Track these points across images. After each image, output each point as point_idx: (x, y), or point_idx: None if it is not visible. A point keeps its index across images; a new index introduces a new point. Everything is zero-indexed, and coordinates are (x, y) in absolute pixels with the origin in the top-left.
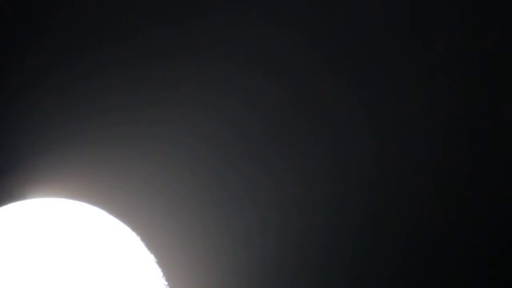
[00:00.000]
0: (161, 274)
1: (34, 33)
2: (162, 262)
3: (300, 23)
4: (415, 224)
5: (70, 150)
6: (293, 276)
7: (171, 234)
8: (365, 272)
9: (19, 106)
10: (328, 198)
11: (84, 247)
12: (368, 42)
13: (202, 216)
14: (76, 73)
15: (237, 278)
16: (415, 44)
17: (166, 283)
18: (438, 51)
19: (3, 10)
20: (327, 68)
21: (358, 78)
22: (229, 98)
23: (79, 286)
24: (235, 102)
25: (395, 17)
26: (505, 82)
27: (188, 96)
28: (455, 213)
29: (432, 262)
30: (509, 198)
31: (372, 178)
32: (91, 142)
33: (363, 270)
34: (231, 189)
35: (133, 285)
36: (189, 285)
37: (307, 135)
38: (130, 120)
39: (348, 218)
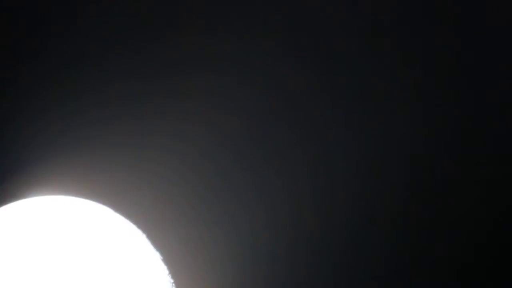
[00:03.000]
0: (166, 271)
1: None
2: (168, 259)
3: (288, 37)
4: (403, 228)
5: (78, 150)
6: (288, 270)
7: (177, 232)
8: (355, 272)
9: (31, 107)
10: (314, 202)
11: (90, 245)
12: (350, 54)
13: (207, 215)
14: (82, 82)
15: (241, 275)
16: (399, 56)
17: (172, 280)
18: (417, 67)
19: (7, 13)
20: (315, 80)
21: (343, 89)
22: (223, 109)
23: (85, 283)
24: (228, 113)
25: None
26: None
27: (185, 107)
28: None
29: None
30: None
31: (357, 183)
32: (98, 142)
33: (353, 271)
34: (235, 189)
35: (139, 283)
36: (194, 282)
37: (294, 143)
38: (138, 122)
39: (336, 222)
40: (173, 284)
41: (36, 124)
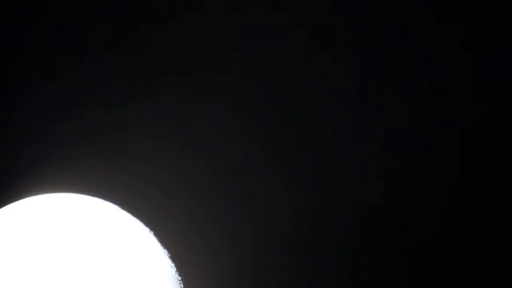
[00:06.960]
0: (174, 268)
1: None
2: (175, 257)
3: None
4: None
5: (85, 148)
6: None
7: (184, 230)
8: None
9: (36, 106)
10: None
11: (98, 242)
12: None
13: (214, 214)
14: (87, 82)
15: (246, 273)
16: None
17: (180, 277)
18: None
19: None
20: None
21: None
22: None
23: (93, 281)
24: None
25: None
26: None
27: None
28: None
29: None
30: None
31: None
32: (106, 140)
33: None
34: (240, 188)
35: (147, 279)
36: (201, 279)
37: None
38: (144, 120)
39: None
40: (181, 281)
41: (40, 123)
